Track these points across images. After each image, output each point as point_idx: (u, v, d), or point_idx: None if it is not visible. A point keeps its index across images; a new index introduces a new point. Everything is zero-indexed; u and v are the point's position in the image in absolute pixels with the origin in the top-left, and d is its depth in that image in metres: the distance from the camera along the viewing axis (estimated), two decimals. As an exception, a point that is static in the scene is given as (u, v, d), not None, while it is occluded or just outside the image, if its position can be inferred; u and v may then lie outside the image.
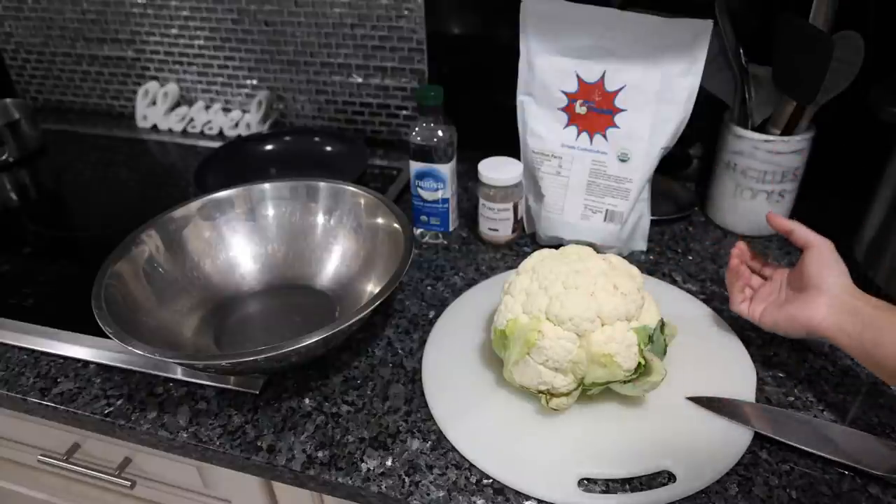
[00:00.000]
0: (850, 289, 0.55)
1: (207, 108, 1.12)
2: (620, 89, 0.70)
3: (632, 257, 0.78)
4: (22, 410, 0.63)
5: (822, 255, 0.57)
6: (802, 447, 0.52)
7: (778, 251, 0.78)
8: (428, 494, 0.51)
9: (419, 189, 0.77)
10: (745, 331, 0.66)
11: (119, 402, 0.60)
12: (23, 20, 1.14)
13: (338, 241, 0.73)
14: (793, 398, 0.58)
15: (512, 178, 0.75)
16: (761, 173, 0.76)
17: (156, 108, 1.13)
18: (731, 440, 0.54)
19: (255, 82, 1.08)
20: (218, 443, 0.56)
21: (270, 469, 0.55)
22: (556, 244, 0.73)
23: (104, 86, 1.18)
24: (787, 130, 0.75)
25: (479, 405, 0.58)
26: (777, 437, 0.53)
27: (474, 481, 0.52)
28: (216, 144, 1.04)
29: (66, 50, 1.15)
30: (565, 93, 0.72)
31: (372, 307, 0.57)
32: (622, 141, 0.71)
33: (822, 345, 0.64)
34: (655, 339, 0.55)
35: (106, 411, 0.60)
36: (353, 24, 0.96)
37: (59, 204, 0.96)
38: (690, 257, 0.77)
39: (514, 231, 0.79)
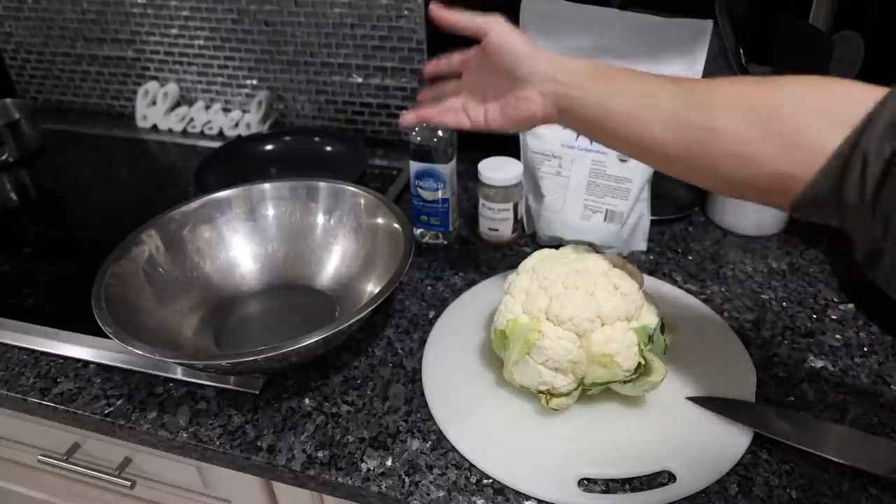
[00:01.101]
0: (551, 66, 0.51)
1: (207, 108, 1.12)
2: (620, 89, 0.70)
3: (632, 257, 0.78)
4: (22, 410, 0.63)
5: (503, 42, 0.52)
6: (802, 447, 0.52)
7: (778, 251, 0.78)
8: (428, 494, 0.51)
9: (419, 189, 0.77)
10: (746, 331, 0.66)
11: (119, 402, 0.60)
12: (23, 20, 1.14)
13: (338, 241, 0.73)
14: (793, 398, 0.58)
15: (512, 178, 0.75)
16: (761, 173, 0.76)
17: (156, 108, 1.13)
18: (731, 440, 0.54)
19: (255, 82, 1.08)
20: (218, 443, 0.56)
21: (270, 469, 0.55)
22: (556, 244, 0.73)
23: (104, 86, 1.18)
24: (787, 130, 0.75)
25: (479, 405, 0.58)
26: (777, 437, 0.53)
27: (474, 481, 0.52)
28: (216, 144, 1.04)
29: (66, 50, 1.15)
30: (565, 93, 0.72)
31: (372, 307, 0.57)
32: (622, 141, 0.71)
33: (822, 345, 0.64)
34: (655, 339, 0.55)
35: (106, 411, 0.60)
36: (353, 24, 0.96)
37: (59, 204, 0.96)
38: (690, 257, 0.77)
39: (514, 231, 0.79)
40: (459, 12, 0.53)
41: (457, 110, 0.57)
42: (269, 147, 1.03)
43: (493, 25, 0.52)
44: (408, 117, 0.60)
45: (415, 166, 0.76)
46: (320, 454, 0.55)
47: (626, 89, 0.48)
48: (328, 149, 1.01)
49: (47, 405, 0.61)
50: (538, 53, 0.51)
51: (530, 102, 0.52)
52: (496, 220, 0.78)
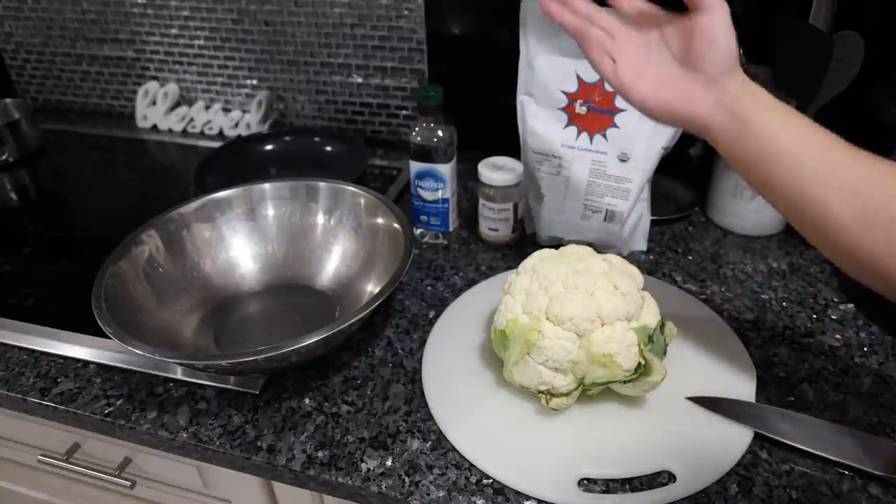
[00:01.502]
0: (740, 80, 0.46)
1: (207, 108, 1.12)
2: (620, 89, 0.69)
3: (632, 257, 0.78)
4: (22, 410, 0.63)
5: (716, 30, 0.46)
6: (802, 447, 0.52)
7: (778, 251, 0.78)
8: (428, 494, 0.51)
9: (419, 189, 0.77)
10: (745, 331, 0.66)
11: (119, 402, 0.60)
12: (23, 20, 1.14)
13: (338, 241, 0.73)
14: (793, 398, 0.58)
15: (512, 178, 0.75)
16: (761, 173, 0.76)
17: (156, 108, 1.13)
18: (731, 440, 0.54)
19: (255, 82, 1.08)
20: (218, 443, 0.56)
21: (270, 469, 0.55)
22: (556, 244, 0.73)
23: (104, 86, 1.18)
24: (787, 130, 0.75)
25: (479, 405, 0.58)
26: (777, 437, 0.53)
27: (474, 481, 0.52)
28: (216, 144, 1.04)
29: (66, 50, 1.15)
30: (565, 93, 0.72)
31: (372, 307, 0.57)
32: (622, 141, 0.71)
33: (822, 345, 0.64)
34: (655, 339, 0.55)
35: (106, 411, 0.60)
36: (353, 24, 0.96)
37: (59, 204, 0.96)
38: (690, 257, 0.77)
39: (514, 231, 0.79)
40: None
41: (603, 51, 0.50)
42: (269, 147, 1.03)
43: (719, 8, 0.46)
44: (552, 8, 0.51)
45: (415, 166, 0.76)
46: (320, 454, 0.55)
47: (810, 139, 0.44)
48: (328, 149, 1.01)
49: (47, 405, 0.61)
50: (737, 62, 0.47)
51: (700, 104, 0.47)
52: (496, 220, 0.78)
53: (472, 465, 0.53)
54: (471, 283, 0.74)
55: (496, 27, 0.90)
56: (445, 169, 0.75)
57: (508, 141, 0.78)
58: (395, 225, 0.67)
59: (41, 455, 0.69)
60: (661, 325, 0.57)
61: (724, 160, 0.78)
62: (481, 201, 0.78)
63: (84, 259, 0.81)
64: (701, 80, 0.47)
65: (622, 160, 0.72)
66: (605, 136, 0.72)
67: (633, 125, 0.70)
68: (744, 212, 0.79)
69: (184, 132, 1.12)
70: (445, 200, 0.77)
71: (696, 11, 0.47)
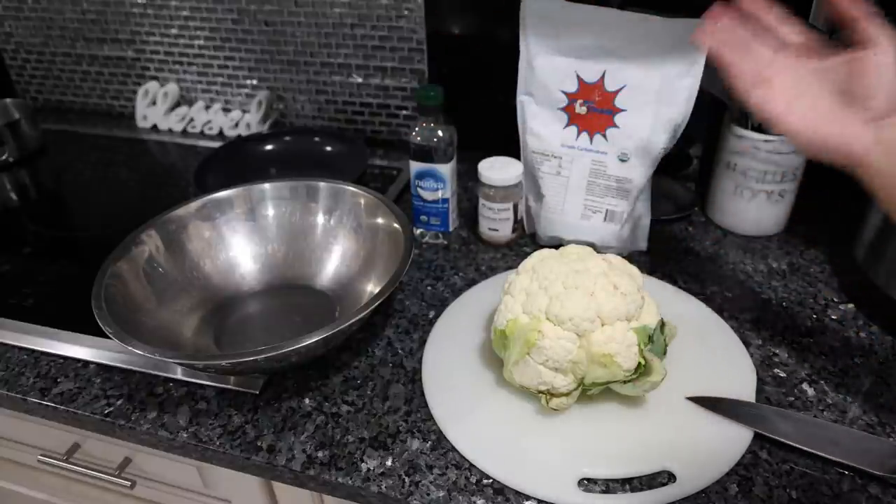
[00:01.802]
0: None
1: (207, 108, 1.12)
2: (620, 89, 0.70)
3: (632, 257, 0.78)
4: (22, 410, 0.63)
5: (886, 66, 0.43)
6: (802, 447, 0.52)
7: (778, 251, 0.78)
8: (428, 494, 0.51)
9: (419, 189, 0.77)
10: (745, 331, 0.66)
11: (119, 402, 0.60)
12: (23, 20, 1.14)
13: (338, 241, 0.73)
14: (793, 398, 0.58)
15: (512, 178, 0.75)
16: (761, 173, 0.76)
17: (156, 108, 1.13)
18: (731, 440, 0.54)
19: (255, 82, 1.08)
20: (218, 443, 0.56)
21: (270, 469, 0.55)
22: (556, 244, 0.73)
23: (104, 86, 1.18)
24: (787, 130, 0.75)
25: (479, 405, 0.58)
26: (777, 437, 0.53)
27: (474, 481, 0.52)
28: (216, 144, 1.04)
29: (66, 50, 1.15)
30: (565, 93, 0.72)
31: (372, 307, 0.57)
32: (622, 141, 0.71)
33: (822, 345, 0.64)
34: (655, 339, 0.55)
35: (106, 411, 0.60)
36: (353, 24, 0.96)
37: (59, 204, 0.96)
38: (690, 257, 0.77)
39: (514, 231, 0.79)
40: (862, 5, 0.44)
41: (752, 81, 0.48)
42: (269, 147, 1.03)
43: (891, 45, 0.44)
44: (705, 38, 0.49)
45: (415, 166, 0.76)
46: (320, 454, 0.55)
47: None
48: (328, 149, 1.01)
49: (47, 405, 0.61)
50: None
51: (857, 140, 0.45)
52: (496, 220, 0.78)
53: (472, 465, 0.53)
54: (471, 283, 0.74)
55: (496, 27, 0.90)
56: (445, 169, 0.75)
57: (508, 141, 0.78)
58: (395, 225, 0.67)
59: (41, 455, 0.69)
60: (661, 325, 0.57)
61: (724, 160, 0.79)
62: (481, 201, 0.78)
63: (84, 259, 0.81)
64: (861, 116, 0.45)
65: (622, 160, 0.72)
66: (605, 136, 0.72)
67: (633, 125, 0.70)
68: (744, 212, 0.79)
69: (184, 132, 1.12)
70: (445, 200, 0.77)
71: (864, 47, 0.44)
